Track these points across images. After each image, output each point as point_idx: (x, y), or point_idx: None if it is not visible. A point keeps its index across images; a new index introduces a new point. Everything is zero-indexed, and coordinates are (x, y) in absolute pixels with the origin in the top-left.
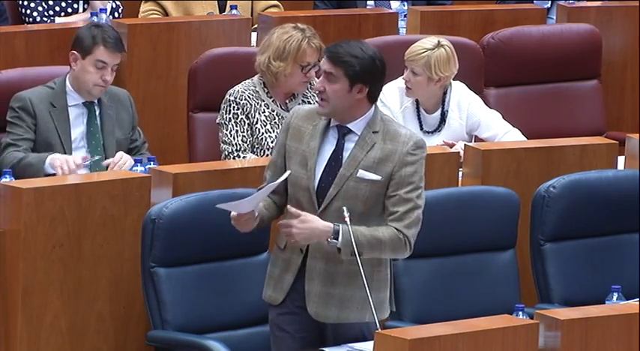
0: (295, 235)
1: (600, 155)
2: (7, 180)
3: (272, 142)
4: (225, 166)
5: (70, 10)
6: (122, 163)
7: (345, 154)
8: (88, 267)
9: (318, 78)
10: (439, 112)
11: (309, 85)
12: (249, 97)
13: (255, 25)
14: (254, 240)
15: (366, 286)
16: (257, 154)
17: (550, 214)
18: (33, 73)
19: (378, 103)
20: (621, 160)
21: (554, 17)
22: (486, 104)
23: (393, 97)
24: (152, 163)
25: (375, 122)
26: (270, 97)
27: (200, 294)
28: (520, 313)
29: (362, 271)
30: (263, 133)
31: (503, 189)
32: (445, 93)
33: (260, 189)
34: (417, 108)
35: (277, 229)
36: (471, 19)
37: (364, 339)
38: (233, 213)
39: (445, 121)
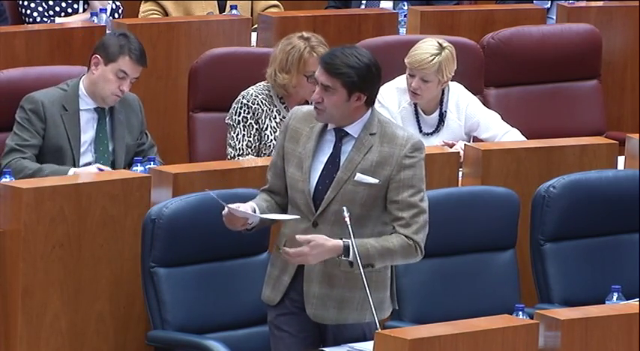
0: (311, 260)
1: (600, 155)
2: (7, 180)
3: None
4: (225, 166)
5: (70, 10)
6: None
7: (343, 157)
8: (88, 267)
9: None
10: (437, 113)
11: None
12: (261, 102)
13: (255, 25)
14: (254, 240)
15: (367, 287)
16: None
17: (550, 214)
18: (34, 73)
19: (377, 104)
20: (621, 160)
21: (554, 17)
22: (486, 104)
23: (391, 98)
24: (152, 162)
25: (372, 124)
26: (283, 104)
27: (200, 294)
28: (520, 313)
29: (362, 272)
30: (272, 140)
31: (503, 189)
32: (443, 94)
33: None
34: (415, 109)
35: (277, 230)
36: (471, 19)
37: (365, 339)
38: (226, 210)
39: (444, 121)
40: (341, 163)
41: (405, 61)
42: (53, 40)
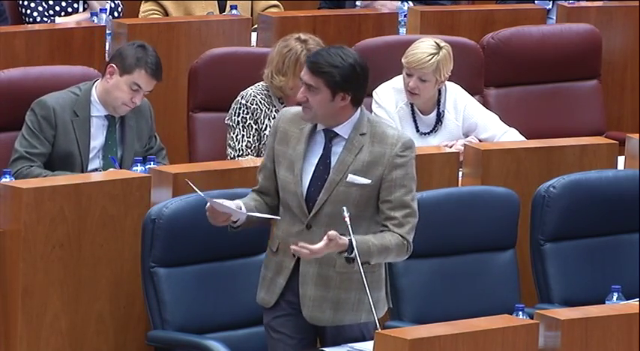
0: (319, 253)
1: (600, 155)
2: (7, 180)
3: None
4: (225, 166)
5: (70, 10)
6: None
7: (334, 159)
8: (88, 267)
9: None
10: (435, 113)
11: None
12: (260, 102)
13: (255, 25)
14: (254, 240)
15: (367, 286)
16: None
17: (550, 214)
18: (34, 73)
19: (374, 104)
20: (621, 160)
21: (554, 17)
22: (486, 104)
23: (388, 98)
24: (152, 162)
25: (362, 124)
26: (282, 104)
27: (200, 294)
28: (520, 313)
29: (362, 272)
30: None
31: (503, 189)
32: (440, 94)
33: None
34: (412, 109)
35: (274, 230)
36: (471, 19)
37: (363, 339)
38: (209, 204)
39: (441, 121)
40: (332, 165)
41: (403, 60)
42: (53, 40)
